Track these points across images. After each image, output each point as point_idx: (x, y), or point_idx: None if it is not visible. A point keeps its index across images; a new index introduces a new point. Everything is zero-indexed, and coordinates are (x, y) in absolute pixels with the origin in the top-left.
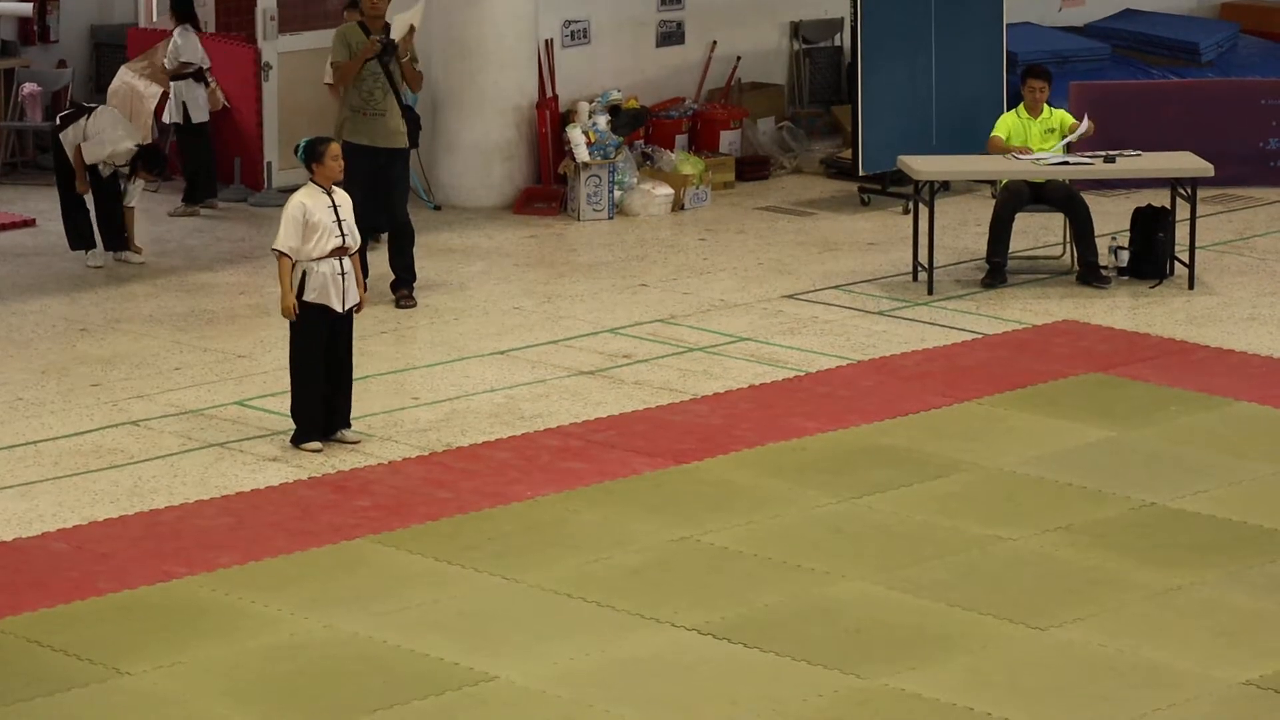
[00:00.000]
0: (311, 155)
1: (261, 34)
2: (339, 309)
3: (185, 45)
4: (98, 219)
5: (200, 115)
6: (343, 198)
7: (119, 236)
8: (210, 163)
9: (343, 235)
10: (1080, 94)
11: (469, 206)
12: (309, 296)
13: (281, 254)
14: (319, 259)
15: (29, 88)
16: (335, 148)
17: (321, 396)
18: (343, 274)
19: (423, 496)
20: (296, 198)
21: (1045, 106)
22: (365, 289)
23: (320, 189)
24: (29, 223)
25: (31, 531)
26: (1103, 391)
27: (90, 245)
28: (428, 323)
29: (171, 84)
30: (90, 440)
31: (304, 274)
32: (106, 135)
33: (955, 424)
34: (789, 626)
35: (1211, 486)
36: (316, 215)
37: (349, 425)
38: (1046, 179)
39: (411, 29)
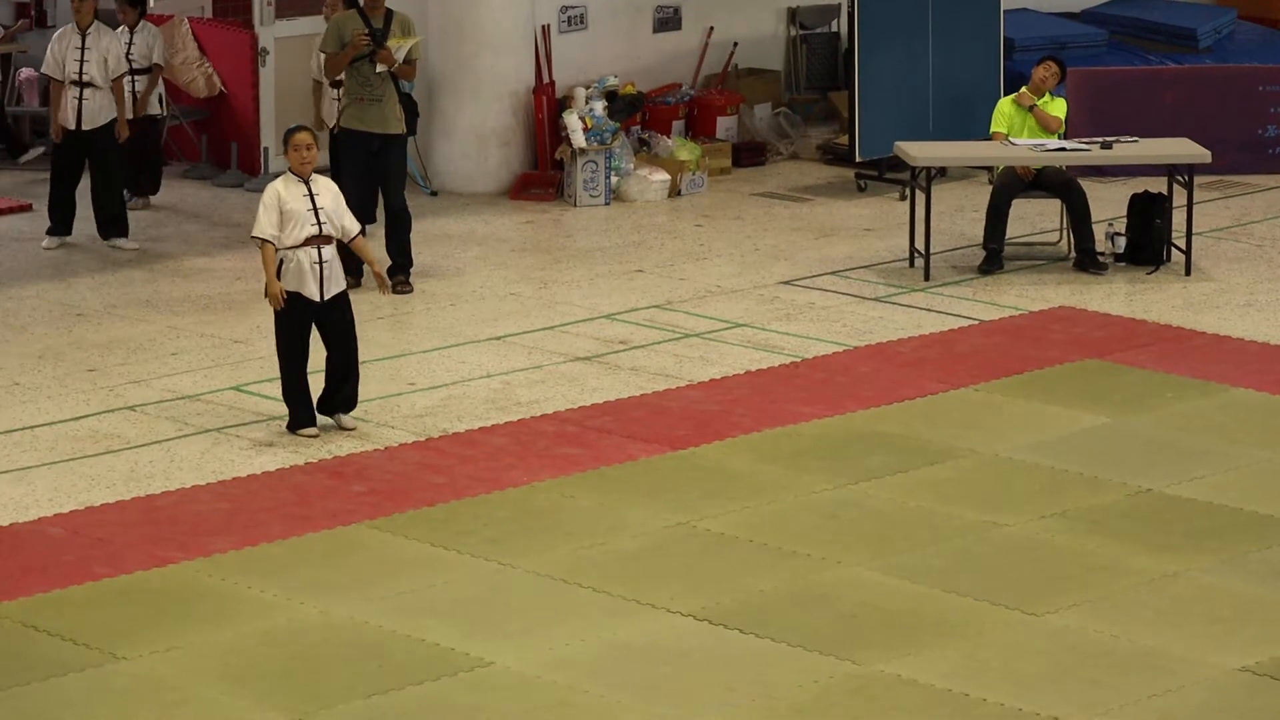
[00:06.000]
0: (284, 144)
1: (258, 19)
2: (317, 298)
3: (156, 42)
4: (101, 201)
5: (166, 108)
6: (323, 187)
7: (118, 223)
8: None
9: (319, 224)
10: (1078, 80)
11: (465, 192)
12: (285, 284)
13: (262, 241)
14: (294, 247)
15: (26, 73)
16: (299, 137)
17: (307, 381)
18: (321, 263)
19: (418, 482)
20: (272, 185)
21: (1047, 93)
22: (359, 275)
23: (296, 178)
24: (25, 207)
25: (28, 516)
26: (1099, 378)
27: (62, 232)
28: (424, 308)
29: (136, 77)
30: (86, 425)
31: (281, 261)
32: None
33: (951, 410)
34: (784, 612)
35: (1208, 473)
36: (291, 204)
37: (349, 408)
38: (1043, 165)
39: (413, 63)
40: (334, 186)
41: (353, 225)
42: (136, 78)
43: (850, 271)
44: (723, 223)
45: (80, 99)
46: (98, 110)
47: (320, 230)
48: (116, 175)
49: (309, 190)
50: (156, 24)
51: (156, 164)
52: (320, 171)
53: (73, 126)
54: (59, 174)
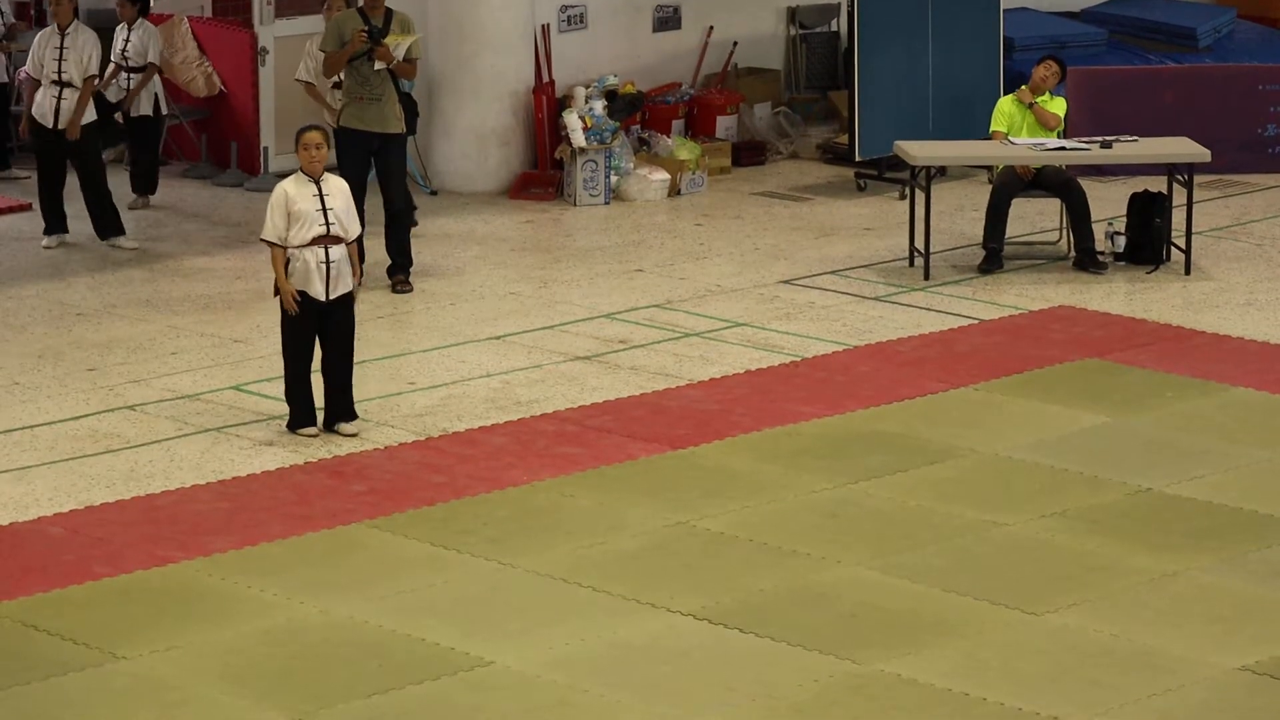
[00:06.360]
0: (295, 144)
1: (258, 18)
2: (322, 298)
3: (152, 41)
4: (87, 203)
5: (165, 107)
6: (334, 187)
7: (113, 223)
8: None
9: (327, 224)
10: (1078, 79)
11: (465, 192)
12: (291, 283)
13: (270, 244)
14: (301, 247)
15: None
16: (309, 136)
17: (311, 381)
18: (328, 262)
19: (418, 481)
20: (281, 185)
21: (1047, 93)
22: (361, 274)
23: (307, 177)
24: (25, 207)
25: (28, 516)
26: (1099, 377)
27: (58, 229)
28: (424, 308)
29: (131, 75)
30: (86, 425)
31: (288, 260)
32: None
33: (951, 409)
34: (784, 612)
35: (1208, 472)
36: (299, 204)
37: (349, 418)
38: (1043, 164)
39: (413, 60)
40: (345, 187)
41: (355, 229)
42: (132, 75)
43: (850, 271)
44: (722, 222)
45: (59, 98)
46: (76, 109)
47: (328, 231)
48: (98, 175)
49: (319, 190)
50: (156, 23)
51: (153, 164)
52: (332, 169)
53: (51, 125)
54: (43, 173)
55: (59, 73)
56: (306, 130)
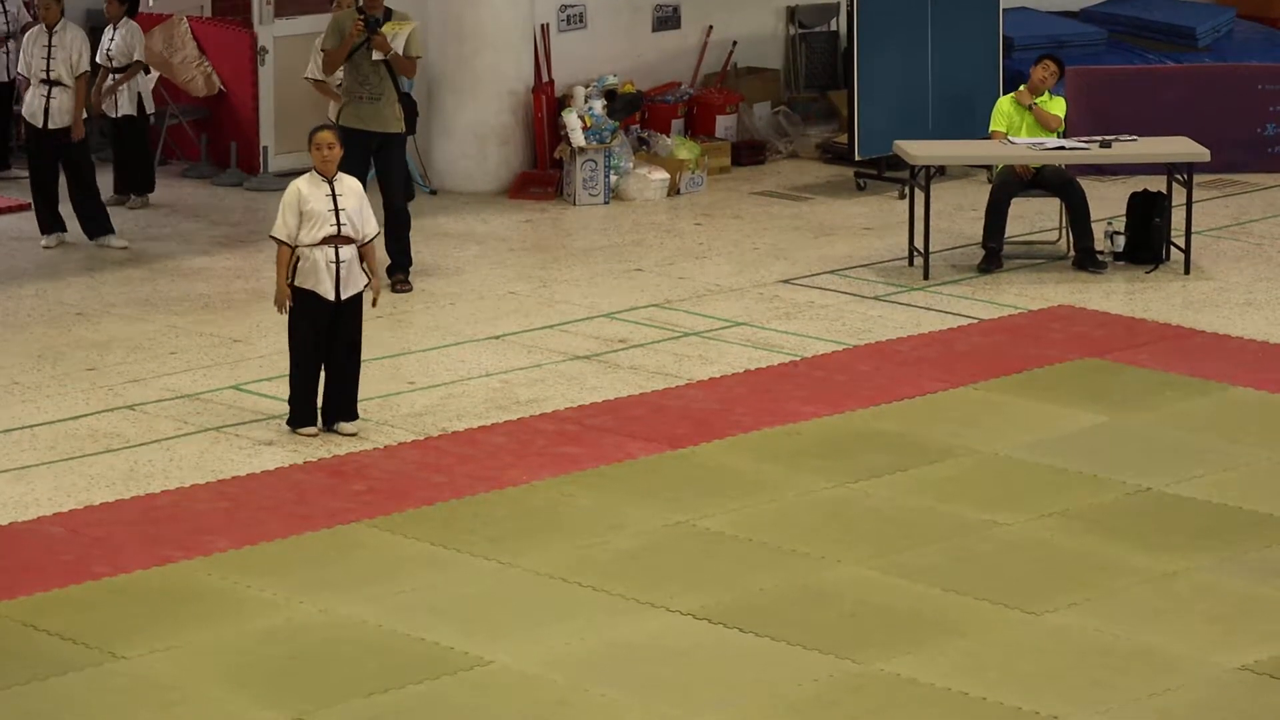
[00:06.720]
0: (308, 143)
1: (258, 18)
2: (331, 298)
3: (137, 40)
4: (75, 202)
5: (150, 106)
6: (347, 187)
7: (100, 222)
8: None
9: (339, 225)
10: (1077, 79)
11: (464, 191)
12: (299, 282)
13: (278, 241)
14: (311, 246)
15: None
16: (321, 136)
17: (317, 381)
18: (338, 263)
19: (418, 481)
20: (295, 184)
21: (1046, 93)
22: (376, 276)
23: (321, 177)
24: (24, 207)
25: (27, 515)
26: (1098, 376)
27: (56, 228)
28: (423, 307)
29: (115, 75)
30: (86, 424)
31: (298, 259)
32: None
33: (951, 409)
34: (784, 611)
35: (1207, 471)
36: (311, 203)
37: (350, 418)
38: (1042, 164)
39: (413, 58)
40: (358, 188)
41: (370, 229)
42: (116, 76)
43: (849, 270)
44: (722, 221)
45: (48, 97)
46: (65, 109)
47: (339, 231)
48: (88, 174)
49: (332, 190)
50: (156, 23)
51: (146, 162)
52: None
53: (40, 125)
54: (36, 173)
55: (47, 71)
56: (319, 130)
